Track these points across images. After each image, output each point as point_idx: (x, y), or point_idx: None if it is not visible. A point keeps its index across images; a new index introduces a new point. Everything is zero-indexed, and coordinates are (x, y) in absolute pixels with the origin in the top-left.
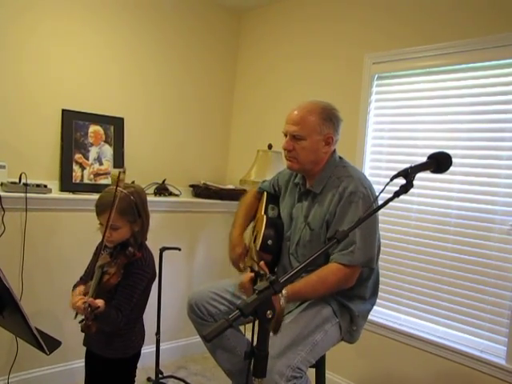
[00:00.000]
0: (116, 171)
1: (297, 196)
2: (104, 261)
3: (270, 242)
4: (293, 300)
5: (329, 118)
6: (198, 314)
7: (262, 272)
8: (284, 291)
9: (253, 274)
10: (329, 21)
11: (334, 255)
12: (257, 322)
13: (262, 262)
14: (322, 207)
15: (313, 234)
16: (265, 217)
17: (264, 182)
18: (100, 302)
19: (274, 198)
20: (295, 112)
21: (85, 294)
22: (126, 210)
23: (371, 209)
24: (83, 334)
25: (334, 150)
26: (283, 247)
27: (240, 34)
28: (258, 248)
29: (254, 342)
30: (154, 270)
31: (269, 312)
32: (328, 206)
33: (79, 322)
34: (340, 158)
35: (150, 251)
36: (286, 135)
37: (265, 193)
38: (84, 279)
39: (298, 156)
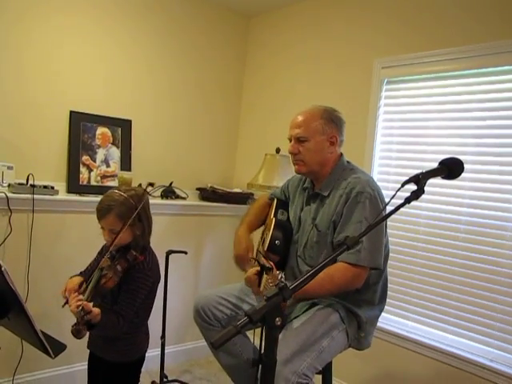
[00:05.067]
0: (123, 174)
1: (305, 199)
2: (105, 263)
3: (277, 242)
4: (299, 297)
5: (331, 119)
6: (204, 319)
7: (267, 265)
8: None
9: (258, 268)
10: (337, 25)
11: (341, 255)
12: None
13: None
14: (330, 208)
15: (320, 234)
16: (274, 219)
17: (276, 190)
18: (95, 310)
19: (284, 204)
20: (298, 117)
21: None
22: (125, 214)
23: (380, 214)
24: (87, 337)
25: (342, 154)
26: (291, 250)
27: (248, 38)
28: (265, 248)
29: (262, 350)
30: (158, 274)
31: (277, 319)
32: (335, 207)
33: (72, 326)
34: (348, 162)
35: (155, 254)
36: (290, 140)
37: (275, 199)
38: (82, 274)
39: (304, 158)
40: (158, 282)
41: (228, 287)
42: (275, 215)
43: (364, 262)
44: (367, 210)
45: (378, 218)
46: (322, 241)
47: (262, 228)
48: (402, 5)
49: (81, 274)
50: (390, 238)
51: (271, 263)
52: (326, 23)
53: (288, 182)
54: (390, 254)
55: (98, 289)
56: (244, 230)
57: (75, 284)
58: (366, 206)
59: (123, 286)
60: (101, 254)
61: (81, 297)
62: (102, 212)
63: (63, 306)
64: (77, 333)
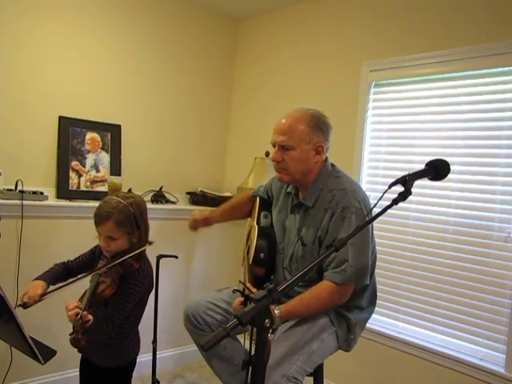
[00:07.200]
0: (113, 179)
1: (289, 207)
2: (101, 270)
3: (262, 255)
4: (287, 319)
5: (318, 126)
6: (195, 324)
7: (251, 295)
8: (277, 311)
9: (242, 299)
10: (326, 28)
11: (327, 272)
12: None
13: (249, 284)
14: (315, 222)
15: (305, 249)
16: (257, 227)
17: (260, 187)
18: (91, 318)
19: (267, 204)
20: (283, 121)
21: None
22: (123, 221)
23: (366, 223)
24: None
25: (326, 159)
26: (277, 260)
27: (237, 42)
28: (250, 261)
29: (252, 352)
30: (152, 282)
31: (267, 321)
32: (320, 222)
33: (69, 335)
34: (332, 165)
35: (149, 262)
36: (274, 146)
37: (257, 198)
38: (45, 278)
39: (287, 167)
40: (151, 290)
41: (218, 292)
42: (258, 221)
43: (350, 280)
44: (353, 225)
45: (365, 221)
46: (307, 256)
47: (248, 229)
48: (389, 7)
49: (42, 277)
50: (379, 240)
51: (253, 290)
52: (315, 27)
53: (271, 181)
54: (381, 256)
55: (95, 297)
56: (216, 209)
57: (37, 294)
58: (351, 221)
59: (116, 291)
60: (93, 252)
61: (78, 303)
62: (100, 218)
63: (16, 308)
64: (76, 342)
